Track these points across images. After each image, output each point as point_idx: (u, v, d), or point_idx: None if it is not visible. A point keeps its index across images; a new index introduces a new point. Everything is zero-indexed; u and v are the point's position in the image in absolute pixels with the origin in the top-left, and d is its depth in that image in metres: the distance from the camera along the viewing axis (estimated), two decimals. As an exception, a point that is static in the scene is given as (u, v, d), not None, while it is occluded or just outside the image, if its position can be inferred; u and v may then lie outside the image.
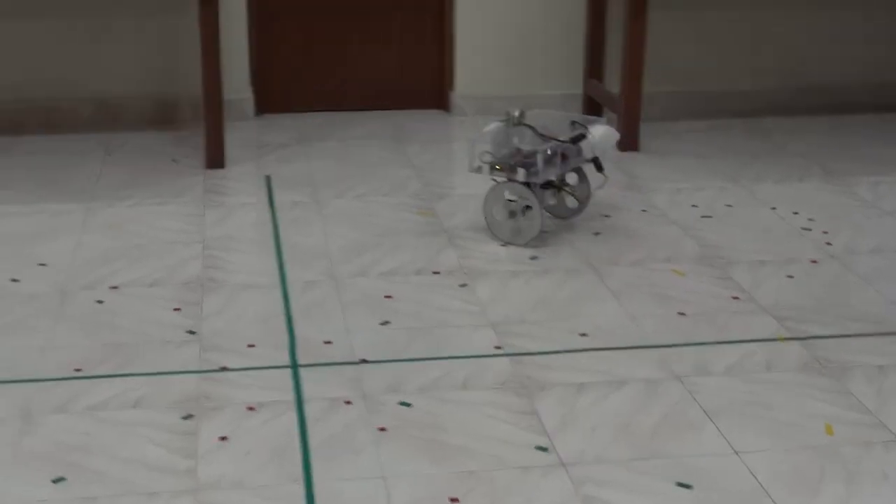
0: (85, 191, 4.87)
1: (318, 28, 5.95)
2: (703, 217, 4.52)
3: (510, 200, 4.21)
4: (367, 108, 6.01)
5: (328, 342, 3.51)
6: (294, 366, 3.37)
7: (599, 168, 4.34)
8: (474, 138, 4.20)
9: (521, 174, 4.16)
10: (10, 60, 5.65)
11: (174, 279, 4.00)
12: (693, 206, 4.65)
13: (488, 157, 4.18)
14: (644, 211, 4.60)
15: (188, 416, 3.09)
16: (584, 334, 3.58)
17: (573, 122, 4.36)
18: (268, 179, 5.04)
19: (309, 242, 4.31)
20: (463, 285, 3.95)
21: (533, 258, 4.18)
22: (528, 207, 4.16)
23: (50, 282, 3.99)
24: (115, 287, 3.93)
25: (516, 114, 4.25)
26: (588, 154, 4.30)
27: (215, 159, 5.15)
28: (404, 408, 3.13)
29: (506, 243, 4.18)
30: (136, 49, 5.72)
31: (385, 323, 3.65)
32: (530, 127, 4.26)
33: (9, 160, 5.26)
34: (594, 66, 5.79)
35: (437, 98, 5.97)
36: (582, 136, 4.25)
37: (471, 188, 4.85)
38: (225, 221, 4.55)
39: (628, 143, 5.39)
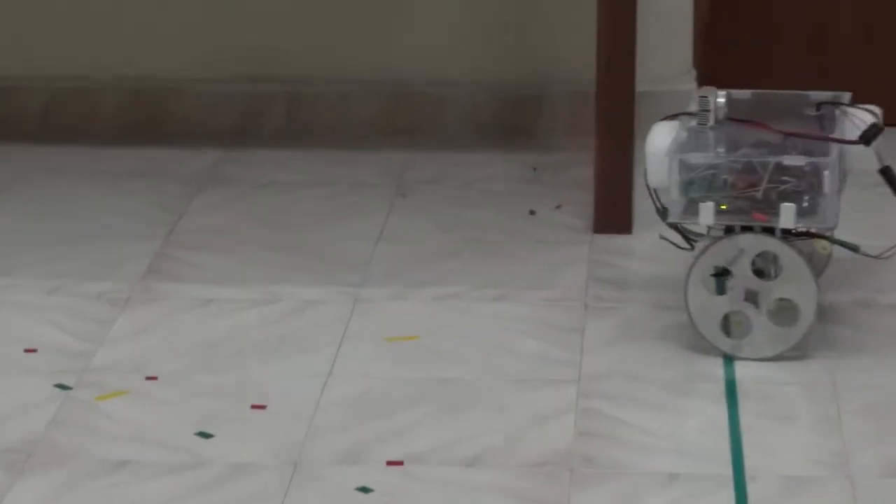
0: (354, 262, 4.61)
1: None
2: None
3: (754, 270, 4.00)
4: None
5: None
6: None
7: None
8: (654, 154, 4.03)
9: (786, 214, 3.87)
10: (248, 16, 5.60)
11: (516, 454, 3.65)
12: None
13: (698, 192, 4.04)
14: None
15: None
16: None
17: (819, 105, 4.17)
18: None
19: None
20: None
21: None
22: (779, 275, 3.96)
23: (271, 443, 3.68)
24: (395, 462, 3.60)
25: (721, 99, 4.11)
26: (871, 164, 4.12)
27: (613, 215, 4.78)
28: None
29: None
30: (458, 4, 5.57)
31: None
32: (751, 122, 4.11)
33: (231, 192, 5.10)
34: None
35: None
36: (877, 130, 4.04)
37: None
38: (623, 341, 4.16)
39: None
